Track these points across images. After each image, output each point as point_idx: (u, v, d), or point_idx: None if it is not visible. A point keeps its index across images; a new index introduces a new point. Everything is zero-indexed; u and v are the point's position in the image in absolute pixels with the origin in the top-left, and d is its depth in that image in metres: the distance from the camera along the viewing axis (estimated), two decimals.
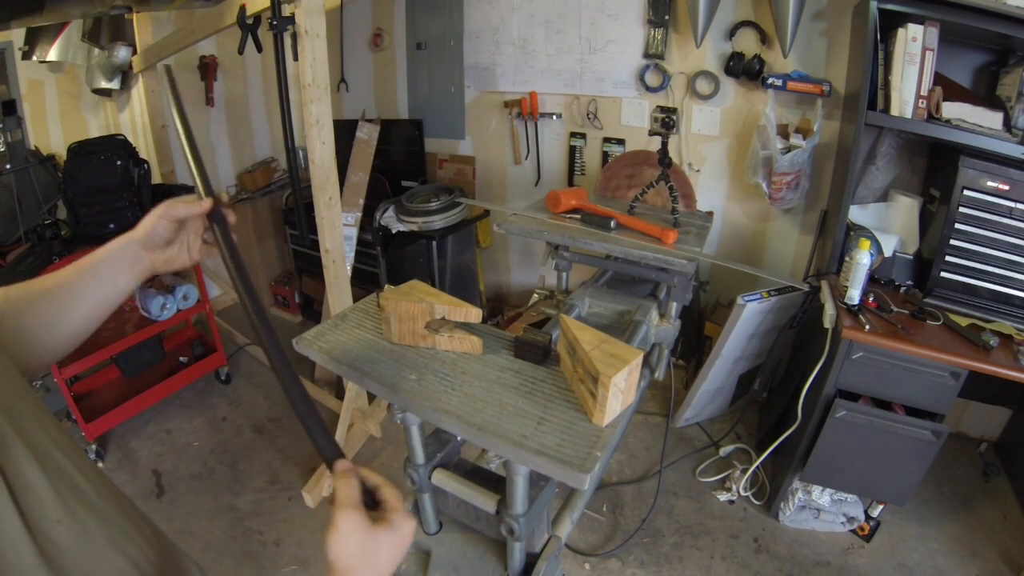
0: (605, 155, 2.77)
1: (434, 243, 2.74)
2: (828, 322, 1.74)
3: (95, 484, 0.58)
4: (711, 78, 2.39)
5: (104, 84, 2.77)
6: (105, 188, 2.17)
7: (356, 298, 2.18)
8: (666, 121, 2.50)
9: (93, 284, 0.68)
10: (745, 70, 2.27)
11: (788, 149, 2.15)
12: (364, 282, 3.00)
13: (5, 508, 0.47)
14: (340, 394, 2.58)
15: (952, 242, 1.79)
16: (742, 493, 2.15)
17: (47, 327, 0.66)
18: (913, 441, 1.69)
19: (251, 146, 3.64)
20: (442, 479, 1.09)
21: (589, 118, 2.73)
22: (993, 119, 1.73)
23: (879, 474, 1.81)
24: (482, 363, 1.00)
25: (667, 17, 2.38)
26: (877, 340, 1.61)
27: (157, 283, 2.60)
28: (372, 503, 0.58)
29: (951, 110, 1.74)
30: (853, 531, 2.00)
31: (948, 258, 1.80)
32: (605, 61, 2.60)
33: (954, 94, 1.78)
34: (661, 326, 1.57)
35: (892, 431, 1.70)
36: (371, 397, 2.45)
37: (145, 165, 2.31)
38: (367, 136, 2.97)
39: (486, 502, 1.02)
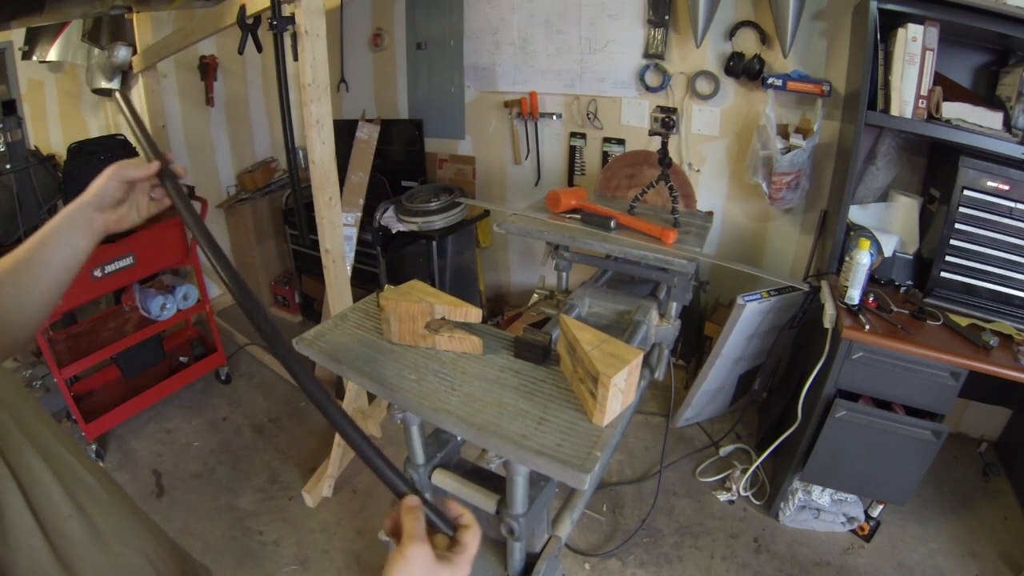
0: (605, 155, 2.77)
1: (434, 243, 2.74)
2: (828, 322, 1.74)
3: (100, 481, 0.58)
4: (711, 78, 2.39)
5: (104, 84, 2.77)
6: None
7: (356, 298, 2.17)
8: (666, 121, 2.50)
9: (53, 253, 0.69)
10: (745, 70, 2.27)
11: (788, 149, 2.15)
12: (364, 282, 3.00)
13: (16, 503, 0.47)
14: (340, 394, 2.58)
15: (952, 242, 1.79)
16: (742, 493, 2.15)
17: (17, 305, 0.66)
18: (913, 441, 1.69)
19: (251, 146, 3.64)
20: (442, 479, 1.09)
21: (589, 118, 2.73)
22: (993, 119, 1.73)
23: (879, 474, 1.81)
24: (482, 363, 1.00)
25: (667, 17, 2.38)
26: (877, 340, 1.61)
27: (157, 283, 2.61)
28: (446, 525, 0.61)
29: (951, 110, 1.74)
30: (853, 531, 2.00)
31: (948, 258, 1.80)
32: (605, 61, 2.60)
33: (954, 94, 1.78)
34: (661, 326, 1.57)
35: (892, 431, 1.70)
36: (371, 397, 2.45)
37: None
38: (367, 136, 2.97)
39: (486, 502, 1.02)
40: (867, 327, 1.63)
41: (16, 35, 2.56)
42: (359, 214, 2.88)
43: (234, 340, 3.14)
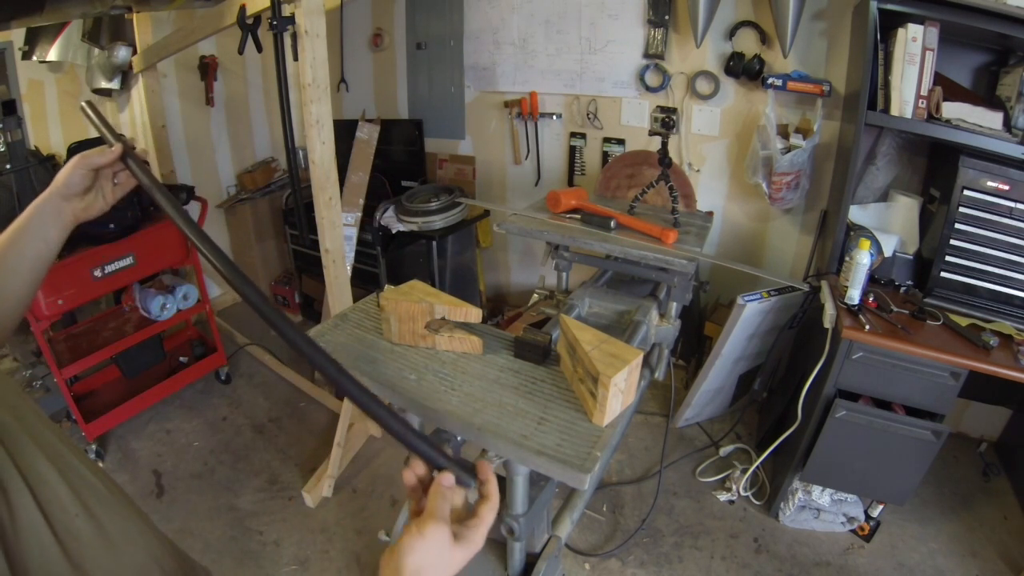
0: (605, 155, 2.77)
1: (434, 243, 2.74)
2: (828, 322, 1.74)
3: (102, 481, 0.59)
4: (711, 78, 2.39)
5: (104, 84, 2.77)
6: None
7: (356, 298, 2.17)
8: (666, 121, 2.50)
9: (25, 246, 0.70)
10: (745, 70, 2.27)
11: (788, 149, 2.15)
12: (364, 282, 3.00)
13: (26, 502, 0.47)
14: (340, 394, 2.58)
15: (952, 242, 1.79)
16: (742, 493, 2.15)
17: None
18: (913, 441, 1.69)
19: (251, 146, 3.64)
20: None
21: (589, 118, 2.73)
22: (993, 119, 1.73)
23: (879, 474, 1.81)
24: (482, 363, 1.00)
25: (667, 17, 2.38)
26: (877, 340, 1.61)
27: (157, 283, 2.61)
28: (470, 476, 0.61)
29: (951, 110, 1.74)
30: (853, 531, 2.00)
31: (948, 258, 1.80)
32: (605, 61, 2.60)
33: (954, 94, 1.78)
34: (661, 326, 1.57)
35: (892, 431, 1.70)
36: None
37: (145, 165, 2.31)
38: (367, 136, 2.97)
39: None
40: (867, 327, 1.63)
41: (16, 35, 2.56)
42: (359, 214, 2.88)
43: (234, 340, 3.14)
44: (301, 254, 3.34)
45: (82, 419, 2.23)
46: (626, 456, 2.37)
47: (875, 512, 1.97)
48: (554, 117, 2.84)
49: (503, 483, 0.96)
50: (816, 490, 1.96)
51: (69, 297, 2.10)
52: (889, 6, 1.68)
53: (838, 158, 2.21)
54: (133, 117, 2.99)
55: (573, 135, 2.83)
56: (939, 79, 1.77)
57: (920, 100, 1.74)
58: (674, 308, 1.61)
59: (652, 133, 1.85)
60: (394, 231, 2.76)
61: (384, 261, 2.89)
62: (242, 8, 1.89)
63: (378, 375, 0.96)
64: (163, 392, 2.54)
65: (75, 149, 2.18)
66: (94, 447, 2.32)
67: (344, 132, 2.74)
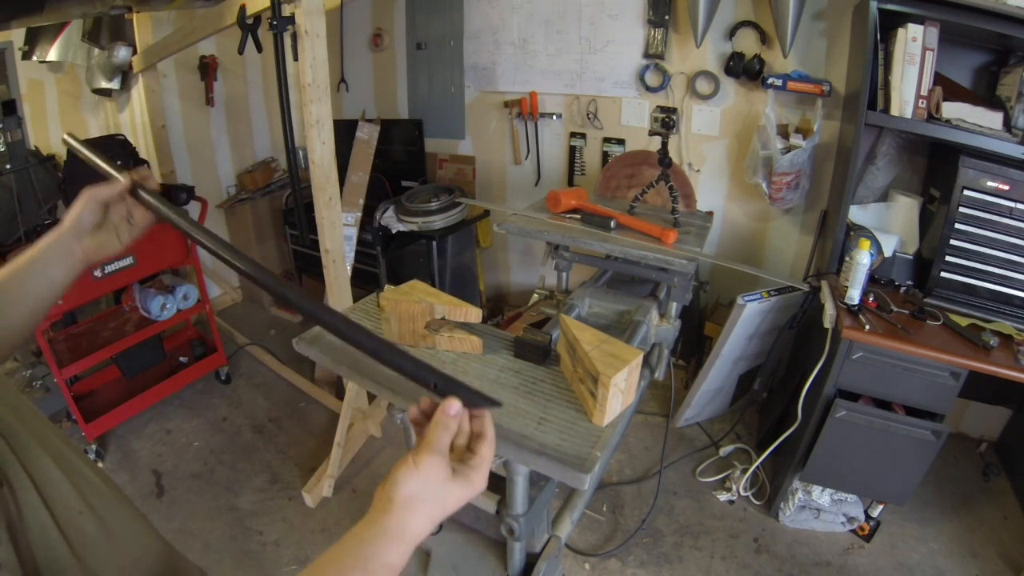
0: (605, 155, 2.77)
1: (434, 243, 2.74)
2: (828, 322, 1.74)
3: (103, 480, 0.59)
4: (711, 78, 2.39)
5: (104, 84, 2.77)
6: None
7: (356, 298, 2.17)
8: (666, 121, 2.50)
9: (28, 282, 0.69)
10: (745, 70, 2.27)
11: (788, 149, 2.15)
12: (364, 282, 3.00)
13: (33, 500, 0.48)
14: (340, 394, 2.58)
15: (952, 242, 1.79)
16: (742, 493, 2.15)
17: None
18: (913, 441, 1.69)
19: (251, 146, 3.64)
20: None
21: (589, 118, 2.73)
22: (993, 119, 1.73)
23: (879, 474, 1.81)
24: (482, 363, 1.00)
25: (667, 17, 2.38)
26: (877, 340, 1.61)
27: (157, 283, 2.61)
28: (479, 399, 0.60)
29: (951, 110, 1.74)
30: (853, 531, 2.00)
31: (948, 258, 1.80)
32: (605, 61, 2.60)
33: (954, 94, 1.78)
34: (661, 326, 1.57)
35: (892, 431, 1.70)
36: (371, 397, 2.45)
37: (145, 165, 2.32)
38: (367, 136, 2.97)
39: (486, 502, 1.02)
40: (867, 327, 1.63)
41: (16, 35, 2.56)
42: (359, 214, 2.88)
43: (234, 340, 3.14)
44: (301, 254, 3.34)
45: (82, 419, 2.23)
46: (626, 456, 2.37)
47: (875, 512, 1.97)
48: (554, 117, 2.84)
49: (503, 483, 0.97)
50: (816, 490, 1.96)
51: (69, 297, 2.10)
52: (889, 6, 1.68)
53: (838, 158, 2.21)
54: (133, 117, 2.99)
55: (573, 135, 2.83)
56: (939, 79, 1.77)
57: (920, 100, 1.74)
58: (674, 308, 1.61)
59: (652, 133, 1.85)
60: (394, 231, 2.76)
61: (384, 261, 2.89)
62: (242, 8, 1.89)
63: (378, 375, 0.96)
64: (163, 392, 2.54)
65: None
66: (94, 447, 2.32)
67: (344, 132, 2.74)
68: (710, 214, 2.07)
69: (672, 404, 2.10)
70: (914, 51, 1.70)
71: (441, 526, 1.20)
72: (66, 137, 0.83)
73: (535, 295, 1.89)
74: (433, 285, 1.23)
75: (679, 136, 2.56)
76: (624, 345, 0.88)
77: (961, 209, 1.75)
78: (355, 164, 2.92)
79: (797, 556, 1.93)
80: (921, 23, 1.68)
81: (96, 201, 0.72)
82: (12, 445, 0.49)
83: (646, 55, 2.50)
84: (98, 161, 0.78)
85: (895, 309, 1.73)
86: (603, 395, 0.82)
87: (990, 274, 1.78)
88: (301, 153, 2.94)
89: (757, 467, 2.15)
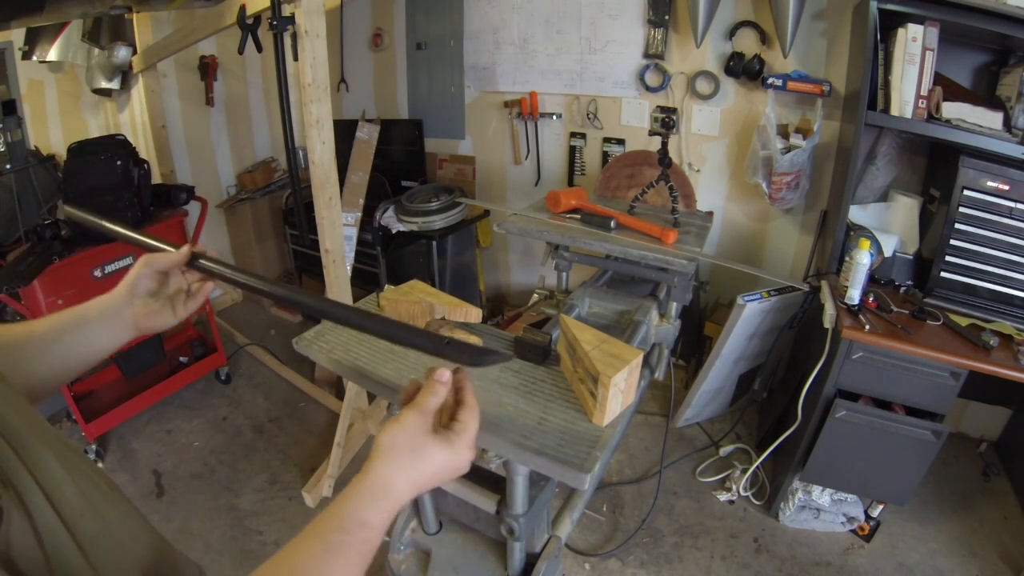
0: (605, 155, 2.77)
1: (434, 243, 2.74)
2: (828, 322, 1.74)
3: (104, 480, 0.59)
4: (711, 78, 2.39)
5: (104, 84, 2.77)
6: (105, 188, 2.17)
7: (356, 298, 2.18)
8: (666, 121, 2.50)
9: (64, 340, 0.66)
10: (745, 70, 2.27)
11: (788, 149, 2.15)
12: (364, 282, 3.00)
13: (39, 501, 0.48)
14: (340, 394, 2.58)
15: (952, 242, 1.79)
16: (742, 493, 2.15)
17: (12, 375, 0.63)
18: (913, 441, 1.69)
19: (251, 146, 3.64)
20: None
21: (589, 118, 2.73)
22: (993, 119, 1.73)
23: (879, 474, 1.81)
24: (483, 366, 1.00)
25: (667, 17, 2.38)
26: (877, 340, 1.61)
27: None
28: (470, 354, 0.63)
29: (951, 110, 1.74)
30: (853, 531, 2.00)
31: (948, 258, 1.80)
32: (605, 61, 2.60)
33: (954, 94, 1.78)
34: (661, 326, 1.57)
35: (892, 431, 1.70)
36: (371, 397, 2.45)
37: (145, 165, 2.31)
38: (367, 136, 2.97)
39: (486, 502, 1.02)
40: (867, 327, 1.63)
41: (16, 35, 2.56)
42: (359, 214, 2.88)
43: (234, 340, 3.14)
44: (301, 254, 3.34)
45: (82, 419, 2.23)
46: (626, 456, 2.37)
47: (875, 512, 1.97)
48: (554, 117, 2.84)
49: (503, 483, 0.96)
50: (816, 490, 1.96)
51: (69, 297, 2.10)
52: (889, 6, 1.68)
53: (838, 158, 2.21)
54: (133, 117, 2.99)
55: (573, 135, 2.83)
56: (939, 79, 1.77)
57: (920, 100, 1.74)
58: (674, 308, 1.61)
59: (652, 133, 1.85)
60: (394, 231, 2.76)
61: (384, 261, 2.89)
62: (242, 8, 1.89)
63: (378, 375, 0.96)
64: (163, 392, 2.54)
65: (75, 149, 2.18)
66: (94, 447, 2.32)
67: (344, 132, 2.74)
68: (710, 214, 2.07)
69: (672, 404, 2.10)
70: (914, 51, 1.70)
71: (441, 524, 1.20)
72: (114, 227, 0.78)
73: (535, 295, 1.89)
74: (433, 285, 1.23)
75: (679, 136, 2.56)
76: (624, 345, 0.88)
77: (961, 209, 1.75)
78: (355, 164, 2.92)
79: (797, 556, 1.93)
80: (921, 23, 1.68)
81: (154, 268, 0.71)
82: (15, 446, 0.48)
83: (646, 55, 2.50)
84: (149, 240, 0.75)
85: (895, 309, 1.73)
86: (603, 395, 0.82)
87: (990, 274, 1.78)
88: (301, 153, 2.95)
89: (757, 467, 2.15)
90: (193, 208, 2.62)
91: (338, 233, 2.10)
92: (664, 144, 1.72)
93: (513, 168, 3.07)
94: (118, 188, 2.20)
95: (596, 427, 0.84)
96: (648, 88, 2.53)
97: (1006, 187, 1.69)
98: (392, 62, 3.23)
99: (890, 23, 1.72)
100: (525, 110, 2.83)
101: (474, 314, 1.01)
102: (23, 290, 1.96)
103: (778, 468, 2.15)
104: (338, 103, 3.37)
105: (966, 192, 1.74)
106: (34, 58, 2.63)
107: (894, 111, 1.77)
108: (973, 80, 1.91)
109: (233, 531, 2.03)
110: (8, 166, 2.34)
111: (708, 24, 2.22)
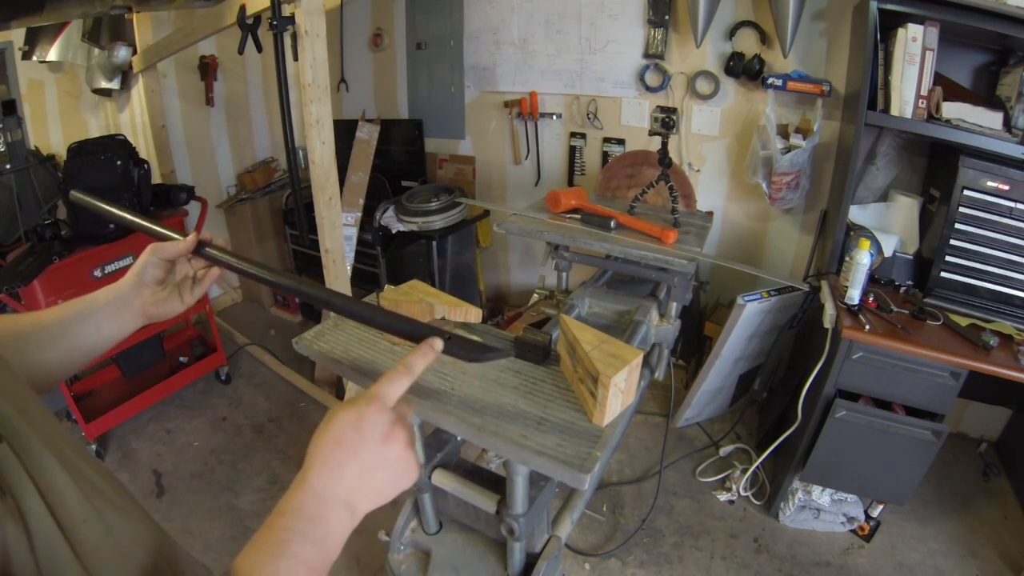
0: (605, 155, 2.77)
1: (434, 243, 2.74)
2: (828, 322, 1.74)
3: (109, 482, 0.58)
4: (711, 78, 2.39)
5: (104, 84, 2.77)
6: (105, 188, 2.17)
7: (356, 298, 2.17)
8: (666, 121, 2.50)
9: (73, 328, 0.67)
10: (745, 70, 2.27)
11: (788, 149, 2.15)
12: (364, 282, 3.00)
13: (36, 506, 0.47)
14: (340, 394, 2.58)
15: (952, 242, 1.79)
16: (742, 493, 2.15)
17: (19, 364, 0.64)
18: (913, 441, 1.69)
19: (251, 146, 3.64)
20: (442, 479, 1.09)
21: (589, 118, 2.73)
22: (993, 119, 1.73)
23: (879, 474, 1.81)
24: (482, 363, 1.00)
25: (667, 17, 2.38)
26: (877, 340, 1.61)
27: None
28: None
29: (951, 110, 1.74)
30: (853, 531, 2.00)
31: (948, 258, 1.80)
32: (605, 61, 2.60)
33: (954, 94, 1.78)
34: (661, 326, 1.57)
35: (892, 431, 1.70)
36: None
37: (145, 165, 2.32)
38: (367, 136, 2.97)
39: (486, 502, 1.02)
40: (867, 327, 1.63)
41: (16, 35, 2.56)
42: (359, 214, 2.88)
43: (234, 340, 3.14)
44: (301, 254, 3.34)
45: (82, 419, 2.23)
46: (626, 456, 2.37)
47: (875, 512, 1.97)
48: (554, 117, 2.84)
49: (503, 483, 0.97)
50: (816, 490, 1.96)
51: (69, 297, 2.07)
52: (889, 6, 1.68)
53: (838, 158, 2.21)
54: (133, 117, 2.99)
55: (573, 135, 2.83)
56: (939, 79, 1.77)
57: (920, 100, 1.74)
58: (674, 308, 1.61)
59: (652, 133, 1.85)
60: (394, 231, 2.76)
61: (384, 261, 2.89)
62: (242, 8, 1.89)
63: (378, 375, 0.95)
64: (163, 392, 2.54)
65: (75, 149, 2.18)
66: (94, 447, 2.32)
67: (344, 132, 2.74)
68: (710, 214, 2.07)
69: (672, 404, 2.10)
70: (914, 51, 1.70)
71: (441, 524, 1.20)
72: (121, 212, 0.81)
73: (535, 295, 1.89)
74: (433, 285, 1.23)
75: (679, 136, 2.56)
76: (624, 345, 0.88)
77: (961, 209, 1.75)
78: (355, 164, 2.92)
79: (797, 556, 1.93)
80: (921, 23, 1.68)
81: (161, 256, 0.72)
82: (17, 451, 0.48)
83: (646, 55, 2.50)
84: (158, 229, 0.78)
85: (895, 309, 1.73)
86: (603, 395, 0.82)
87: (990, 274, 1.78)
88: (301, 153, 2.94)
89: (757, 467, 2.15)
90: (193, 208, 2.62)
91: (338, 233, 2.10)
92: (664, 144, 1.72)
93: (513, 168, 3.07)
94: (118, 188, 2.20)
95: (596, 427, 0.84)
96: (648, 88, 2.53)
97: (1006, 187, 1.69)
98: (392, 62, 3.23)
99: (890, 23, 1.72)
100: (525, 110, 2.83)
101: (474, 314, 1.01)
102: (23, 290, 1.96)
103: (778, 468, 2.15)
104: (338, 103, 3.37)
105: (966, 192, 1.74)
106: (34, 58, 2.63)
107: (894, 111, 1.77)
108: (973, 80, 1.91)
109: (233, 531, 2.03)
110: (8, 166, 2.34)
111: (708, 24, 2.22)
